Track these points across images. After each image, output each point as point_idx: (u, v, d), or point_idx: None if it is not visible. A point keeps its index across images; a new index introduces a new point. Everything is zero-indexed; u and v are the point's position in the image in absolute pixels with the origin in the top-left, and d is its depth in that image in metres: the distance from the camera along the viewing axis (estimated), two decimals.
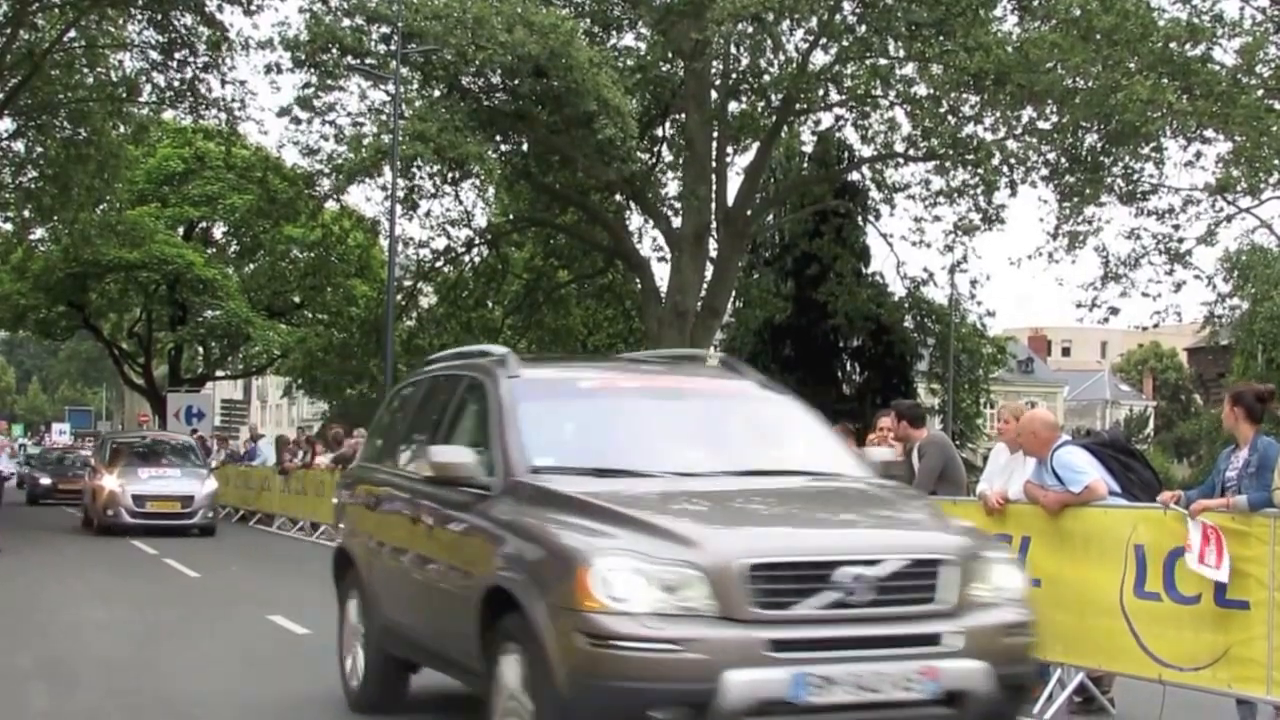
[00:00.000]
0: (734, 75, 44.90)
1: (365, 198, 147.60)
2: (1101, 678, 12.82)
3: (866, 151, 47.65)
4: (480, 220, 51.29)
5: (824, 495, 10.08)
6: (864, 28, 42.13)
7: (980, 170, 41.63)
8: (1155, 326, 46.71)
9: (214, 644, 16.97)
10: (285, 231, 56.88)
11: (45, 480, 55.24)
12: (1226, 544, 11.01)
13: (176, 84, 44.36)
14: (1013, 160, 41.76)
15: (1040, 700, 12.73)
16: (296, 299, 66.31)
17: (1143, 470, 12.96)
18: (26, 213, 49.42)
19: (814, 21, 42.35)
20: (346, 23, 39.58)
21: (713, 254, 45.78)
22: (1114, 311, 43.88)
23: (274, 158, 50.58)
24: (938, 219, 45.74)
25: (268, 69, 40.79)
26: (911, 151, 44.73)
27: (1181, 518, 11.34)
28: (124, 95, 44.74)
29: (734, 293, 51.73)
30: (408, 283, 50.95)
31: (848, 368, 65.35)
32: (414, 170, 42.95)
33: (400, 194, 42.45)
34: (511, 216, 51.52)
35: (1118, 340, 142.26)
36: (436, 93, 41.04)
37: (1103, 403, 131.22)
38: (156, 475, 36.06)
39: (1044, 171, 42.20)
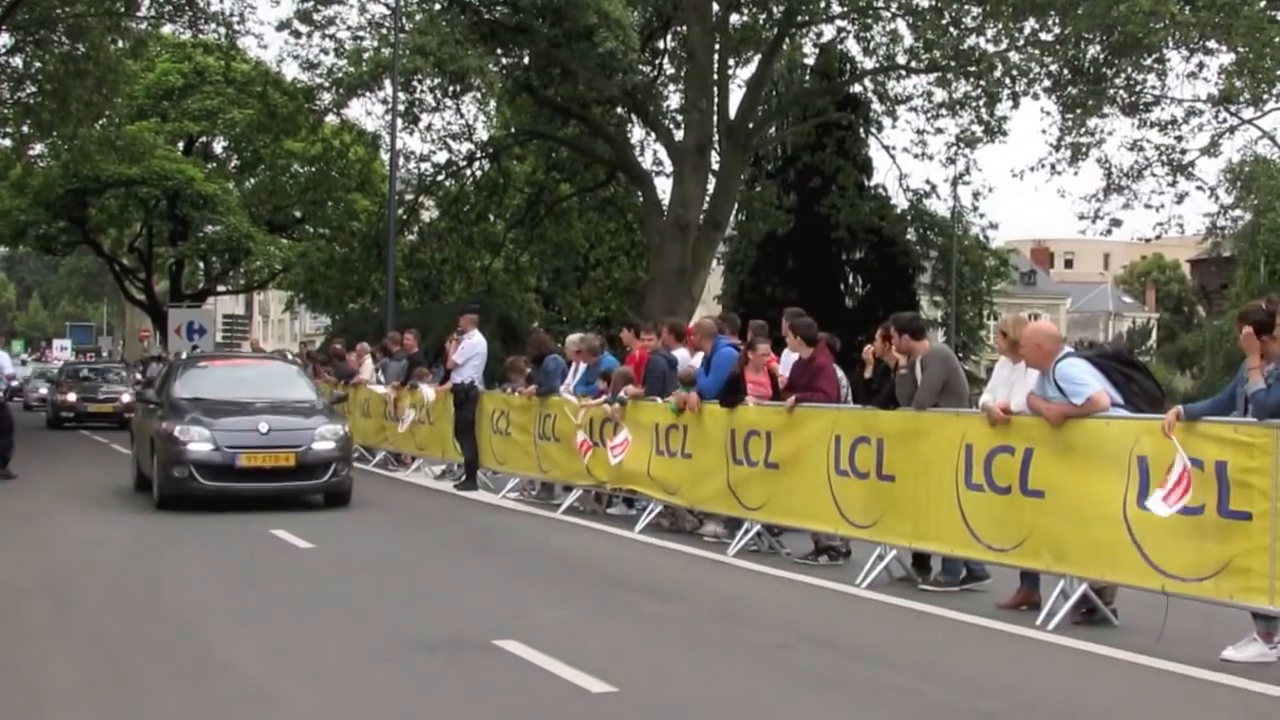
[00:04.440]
0: None
1: (366, 112, 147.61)
2: (1104, 589, 12.83)
3: (868, 64, 47.56)
4: (481, 134, 51.24)
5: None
6: None
7: (982, 82, 41.54)
8: (1158, 238, 46.62)
9: (215, 557, 17.05)
10: (285, 146, 56.84)
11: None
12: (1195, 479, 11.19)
13: None
14: (1015, 72, 41.66)
15: (1043, 612, 12.79)
16: (297, 213, 66.36)
17: (1145, 382, 12.92)
18: (25, 128, 49.22)
19: None
20: None
21: (714, 167, 45.65)
22: (1117, 223, 43.89)
23: (274, 72, 50.38)
24: (940, 131, 45.69)
25: None
26: (913, 64, 44.58)
27: (1176, 447, 11.41)
28: (122, 10, 44.44)
29: (736, 205, 51.58)
30: (409, 197, 50.86)
31: (850, 280, 65.36)
32: (414, 84, 42.73)
33: (401, 108, 42.30)
34: (513, 130, 51.32)
35: (1120, 252, 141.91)
36: (437, 6, 40.80)
37: (1105, 314, 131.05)
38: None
39: (1046, 83, 42.10)
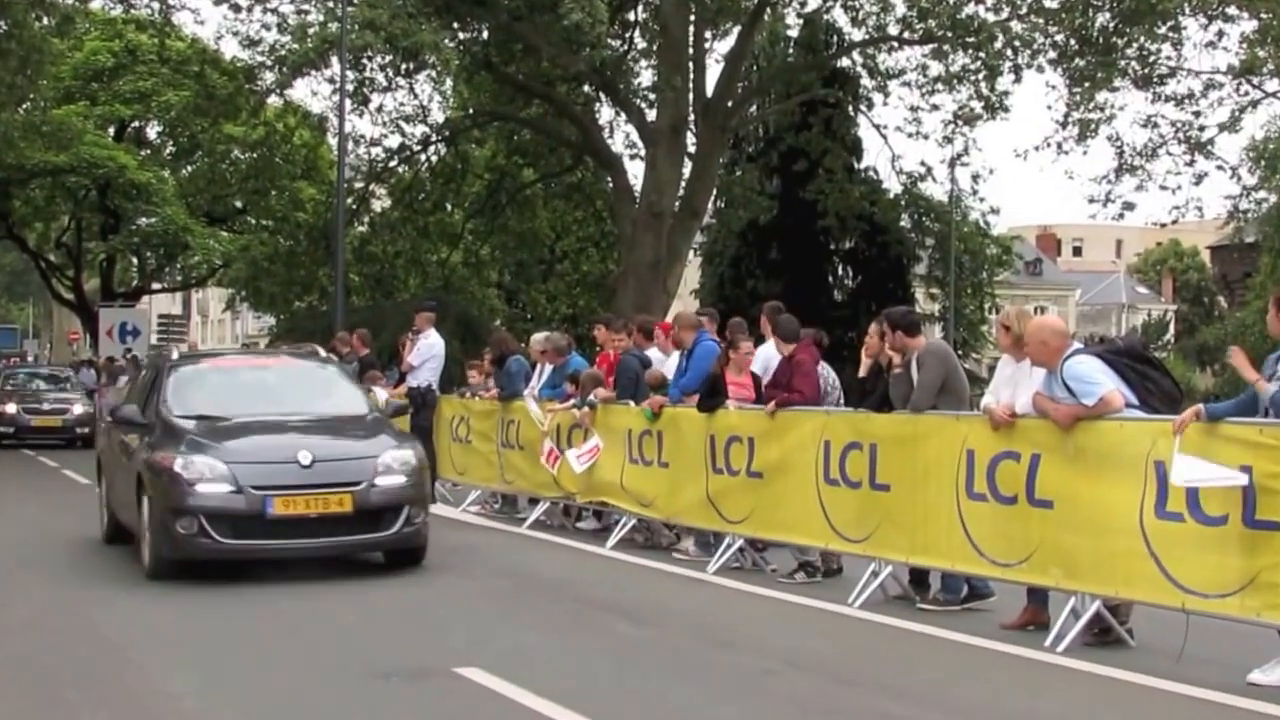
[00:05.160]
0: None
1: (311, 92, 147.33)
2: (1119, 607, 12.78)
3: (857, 35, 47.39)
4: (437, 115, 51.17)
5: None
6: None
7: (982, 54, 41.43)
8: (1174, 223, 46.72)
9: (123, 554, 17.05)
10: (225, 130, 56.63)
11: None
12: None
13: None
14: (1017, 43, 41.54)
15: (1052, 633, 12.74)
16: (238, 204, 66.14)
17: (1162, 380, 12.88)
18: None
19: None
20: None
21: (691, 149, 45.57)
22: (1129, 207, 43.97)
23: (212, 50, 50.32)
24: (936, 108, 45.59)
25: None
26: (907, 34, 44.48)
27: (1202, 430, 11.35)
28: None
29: (715, 191, 51.59)
30: (359, 185, 50.76)
31: (839, 272, 65.45)
32: (364, 62, 42.66)
33: (349, 88, 42.22)
34: (471, 111, 51.27)
35: (1134, 238, 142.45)
36: None
37: (1118, 306, 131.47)
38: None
39: (1051, 54, 42.06)
